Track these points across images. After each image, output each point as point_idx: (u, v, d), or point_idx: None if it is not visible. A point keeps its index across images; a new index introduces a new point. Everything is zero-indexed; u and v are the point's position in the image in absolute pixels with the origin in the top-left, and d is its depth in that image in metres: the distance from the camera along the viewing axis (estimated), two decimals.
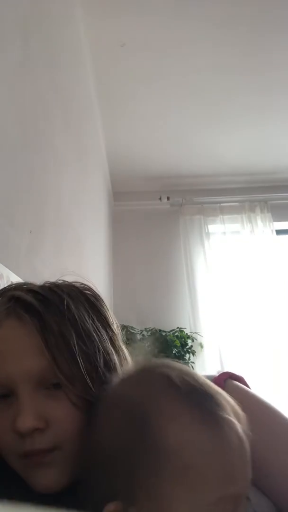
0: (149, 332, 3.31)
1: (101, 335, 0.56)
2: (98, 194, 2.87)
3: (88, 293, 0.59)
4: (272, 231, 3.69)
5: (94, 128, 2.66)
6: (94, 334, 0.54)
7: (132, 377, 0.48)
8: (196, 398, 0.42)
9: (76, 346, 0.51)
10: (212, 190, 3.80)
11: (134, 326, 3.20)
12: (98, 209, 2.80)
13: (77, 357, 0.51)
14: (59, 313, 0.53)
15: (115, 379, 0.50)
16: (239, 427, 0.41)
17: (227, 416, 0.41)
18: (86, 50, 2.23)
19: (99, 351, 0.53)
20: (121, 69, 2.46)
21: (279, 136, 3.18)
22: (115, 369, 0.54)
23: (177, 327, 3.35)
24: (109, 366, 0.54)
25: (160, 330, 3.31)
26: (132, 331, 3.19)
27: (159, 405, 0.42)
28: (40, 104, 1.32)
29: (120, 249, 3.66)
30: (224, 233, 3.71)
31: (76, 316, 0.54)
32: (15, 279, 0.94)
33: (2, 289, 0.59)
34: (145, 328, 3.32)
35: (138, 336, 3.24)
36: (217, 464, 0.38)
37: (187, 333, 3.31)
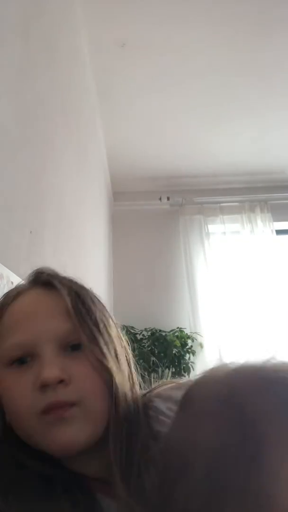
0: (149, 332, 3.31)
1: (109, 317, 0.61)
2: (98, 194, 2.87)
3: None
4: (272, 231, 3.69)
5: (94, 128, 2.66)
6: (105, 312, 0.60)
7: (246, 378, 0.40)
8: None
9: (96, 313, 0.57)
10: (212, 190, 3.80)
11: (134, 326, 3.20)
12: (98, 209, 2.80)
13: (98, 322, 0.56)
14: (78, 284, 0.60)
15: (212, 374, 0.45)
16: None
17: None
18: (86, 50, 2.23)
19: (107, 327, 0.58)
20: (121, 69, 2.46)
21: (279, 136, 3.18)
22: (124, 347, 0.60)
23: (177, 327, 3.35)
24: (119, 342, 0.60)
25: (160, 330, 3.31)
26: (132, 331, 3.19)
27: (279, 431, 0.34)
28: (40, 104, 1.32)
29: (120, 249, 3.66)
30: (224, 233, 3.71)
31: (90, 292, 0.60)
32: (15, 279, 0.94)
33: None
34: (145, 328, 3.32)
35: (138, 336, 3.24)
36: None
37: (187, 333, 3.31)
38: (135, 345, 2.99)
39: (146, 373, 0.62)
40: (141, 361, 2.79)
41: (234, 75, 2.55)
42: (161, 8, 2.06)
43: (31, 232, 1.16)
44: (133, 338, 3.08)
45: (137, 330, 3.26)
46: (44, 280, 0.59)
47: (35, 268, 0.62)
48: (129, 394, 0.55)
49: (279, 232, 3.74)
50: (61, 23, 1.69)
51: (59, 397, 0.49)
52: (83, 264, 2.06)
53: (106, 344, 0.55)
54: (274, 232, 3.70)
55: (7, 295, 0.58)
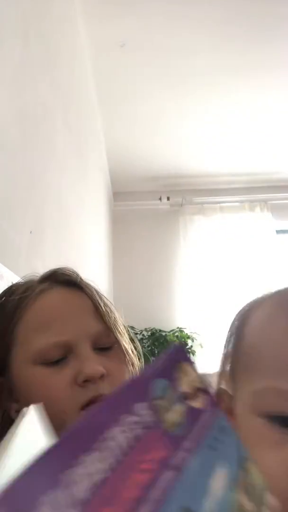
0: (149, 332, 3.31)
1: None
2: (98, 194, 2.87)
3: None
4: (272, 231, 3.69)
5: (94, 128, 2.66)
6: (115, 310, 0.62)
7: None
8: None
9: (116, 314, 0.59)
10: (212, 190, 3.80)
11: (134, 326, 3.20)
12: (98, 209, 2.80)
13: (119, 322, 0.58)
14: (92, 286, 0.60)
15: None
16: None
17: None
18: (86, 50, 2.23)
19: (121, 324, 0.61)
20: (121, 69, 2.46)
21: (279, 136, 3.18)
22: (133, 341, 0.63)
23: (177, 327, 3.35)
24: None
25: (160, 330, 3.31)
26: (132, 331, 3.18)
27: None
28: (40, 104, 1.32)
29: (120, 250, 3.66)
30: (225, 233, 3.71)
31: (101, 294, 0.61)
32: (15, 279, 0.94)
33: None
34: (145, 328, 3.32)
35: (138, 336, 3.24)
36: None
37: (187, 333, 3.31)
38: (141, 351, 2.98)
39: None
40: (141, 361, 2.78)
41: (234, 75, 2.55)
42: (161, 8, 2.06)
43: (31, 232, 1.16)
44: (139, 346, 3.08)
45: (137, 330, 3.26)
46: (66, 280, 0.59)
47: (56, 268, 0.62)
48: None
49: (279, 232, 3.74)
50: (61, 23, 1.69)
51: (100, 391, 0.50)
52: (83, 264, 2.06)
53: (127, 343, 0.59)
54: (274, 232, 3.70)
55: (22, 289, 0.57)
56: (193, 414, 0.26)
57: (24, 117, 1.14)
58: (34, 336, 0.53)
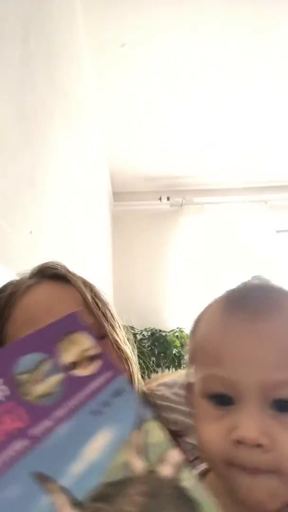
0: (149, 332, 3.31)
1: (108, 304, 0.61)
2: (98, 194, 2.87)
3: None
4: (272, 231, 3.69)
5: (94, 128, 2.66)
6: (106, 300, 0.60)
7: None
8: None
9: (109, 306, 0.57)
10: (212, 190, 3.80)
11: (134, 326, 3.20)
12: (98, 210, 2.80)
13: (114, 315, 0.56)
14: (80, 278, 0.58)
15: None
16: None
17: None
18: (86, 50, 2.23)
19: (113, 315, 0.58)
20: (121, 69, 2.46)
21: (279, 136, 3.18)
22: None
23: (177, 327, 3.35)
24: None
25: (160, 330, 3.31)
26: (132, 331, 3.19)
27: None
28: (40, 104, 1.32)
29: (120, 250, 3.66)
30: (225, 233, 3.71)
31: (92, 286, 0.59)
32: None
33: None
34: (145, 328, 3.32)
35: (138, 336, 3.24)
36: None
37: (187, 333, 3.30)
38: (135, 345, 2.98)
39: (146, 373, 0.63)
40: (141, 361, 2.79)
41: (235, 74, 2.55)
42: (161, 8, 2.06)
43: (31, 232, 1.16)
44: (133, 338, 3.08)
45: (137, 330, 3.26)
46: (53, 273, 0.57)
47: (43, 262, 0.60)
48: (136, 386, 0.56)
49: (279, 231, 3.74)
50: (61, 23, 1.69)
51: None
52: (83, 264, 2.06)
53: (119, 336, 0.56)
54: (274, 232, 3.70)
55: (11, 288, 0.56)
56: (75, 383, 0.27)
57: (24, 117, 1.14)
58: (22, 333, 0.50)
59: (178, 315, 3.48)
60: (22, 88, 1.13)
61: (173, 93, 2.69)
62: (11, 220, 1.01)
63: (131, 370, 0.57)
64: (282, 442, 0.39)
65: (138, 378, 0.58)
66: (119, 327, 0.57)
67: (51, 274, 0.57)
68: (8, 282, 0.60)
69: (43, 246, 1.29)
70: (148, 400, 0.56)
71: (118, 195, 3.83)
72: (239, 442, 0.39)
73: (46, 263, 0.59)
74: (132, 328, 3.20)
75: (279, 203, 3.76)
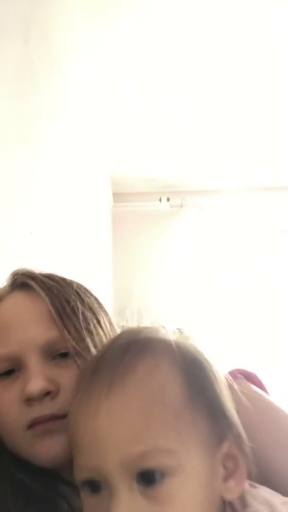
0: None
1: (100, 309, 0.57)
2: (98, 195, 2.87)
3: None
4: (274, 231, 3.69)
5: (94, 128, 2.66)
6: (95, 305, 0.56)
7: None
8: None
9: (84, 310, 0.53)
10: (212, 190, 3.79)
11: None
12: (98, 210, 2.80)
13: (88, 321, 0.52)
14: (60, 281, 0.55)
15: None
16: None
17: None
18: (86, 50, 2.23)
19: (100, 323, 0.54)
20: (121, 69, 2.46)
21: (280, 136, 3.18)
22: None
23: (177, 328, 3.34)
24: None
25: None
26: None
27: None
28: (40, 104, 1.32)
29: (120, 250, 3.66)
30: (225, 233, 3.71)
31: (76, 285, 0.56)
32: None
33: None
34: None
35: None
36: None
37: (187, 334, 3.30)
38: None
39: None
40: None
41: (234, 76, 2.55)
42: (161, 8, 2.06)
43: (31, 232, 1.16)
44: None
45: None
46: (21, 283, 0.55)
47: (14, 270, 0.58)
48: None
49: (282, 231, 3.73)
50: (61, 23, 1.69)
51: (45, 411, 0.47)
52: (83, 265, 2.06)
53: (95, 346, 0.50)
54: (277, 232, 3.69)
55: None
56: None
57: (24, 117, 1.14)
58: None
59: (178, 315, 3.48)
60: (22, 88, 1.13)
61: (173, 94, 2.69)
62: (11, 220, 1.01)
63: None
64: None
65: None
66: (98, 338, 0.52)
67: (20, 283, 0.55)
68: None
69: (43, 247, 1.29)
70: None
71: (118, 196, 3.82)
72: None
73: (17, 270, 0.58)
74: None
75: (281, 204, 3.75)
